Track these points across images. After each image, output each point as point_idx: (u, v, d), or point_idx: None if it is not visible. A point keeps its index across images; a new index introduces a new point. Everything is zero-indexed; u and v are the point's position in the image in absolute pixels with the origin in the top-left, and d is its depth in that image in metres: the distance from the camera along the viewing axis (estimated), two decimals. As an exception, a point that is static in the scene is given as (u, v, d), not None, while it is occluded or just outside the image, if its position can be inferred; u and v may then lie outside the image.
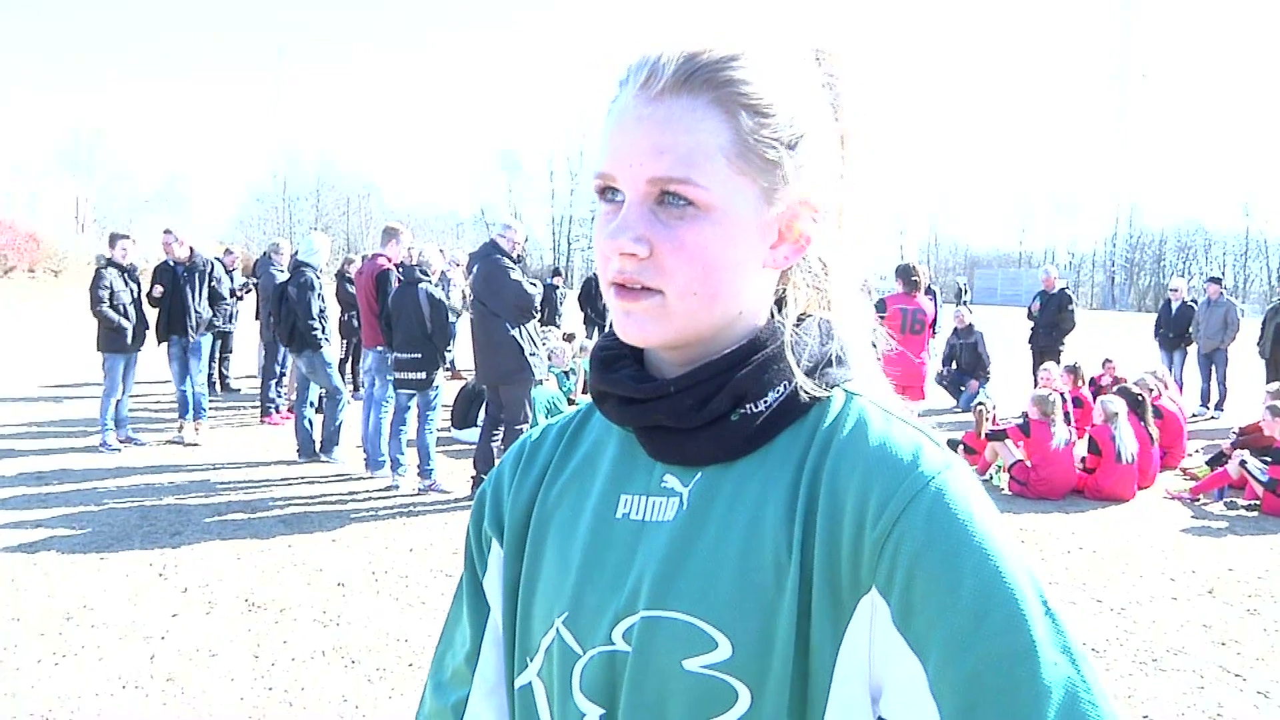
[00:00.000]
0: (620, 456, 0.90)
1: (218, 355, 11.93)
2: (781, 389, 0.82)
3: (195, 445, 8.90)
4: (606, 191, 0.81)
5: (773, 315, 0.86)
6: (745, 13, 0.82)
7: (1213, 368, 12.79)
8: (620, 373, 0.87)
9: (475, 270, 6.84)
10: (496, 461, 6.98)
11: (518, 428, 6.76)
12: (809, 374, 0.83)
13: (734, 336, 0.84)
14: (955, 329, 12.10)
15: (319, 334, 8.21)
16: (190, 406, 9.06)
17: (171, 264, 9.30)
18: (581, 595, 0.85)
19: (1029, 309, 12.72)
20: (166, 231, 9.69)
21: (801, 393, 0.82)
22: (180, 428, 9.06)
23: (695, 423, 0.82)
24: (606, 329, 0.93)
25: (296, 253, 8.89)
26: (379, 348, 7.89)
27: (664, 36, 0.80)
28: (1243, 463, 7.56)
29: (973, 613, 0.70)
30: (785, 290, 0.87)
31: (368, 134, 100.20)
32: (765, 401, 0.82)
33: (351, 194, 69.93)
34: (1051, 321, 12.28)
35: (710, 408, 0.82)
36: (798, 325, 0.85)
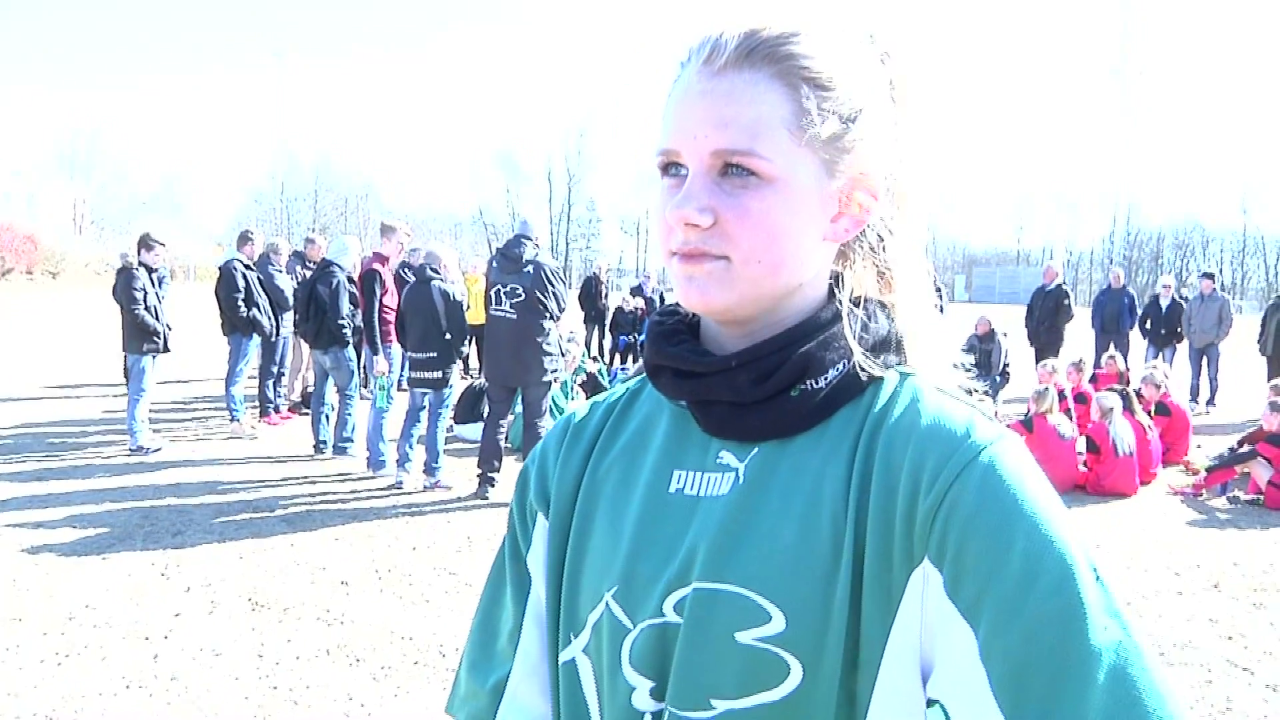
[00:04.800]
0: (673, 432, 0.90)
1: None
2: (841, 366, 0.83)
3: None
4: (670, 167, 0.82)
5: (832, 293, 0.87)
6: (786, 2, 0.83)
7: (1204, 363, 12.80)
8: (680, 346, 0.87)
9: (529, 270, 6.74)
10: (500, 460, 7.02)
11: (539, 424, 6.77)
12: (867, 353, 0.84)
13: (792, 311, 0.85)
14: (975, 333, 12.06)
15: (348, 331, 8.29)
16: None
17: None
18: (633, 569, 0.85)
19: (1028, 307, 12.75)
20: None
21: (860, 371, 0.83)
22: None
23: (755, 397, 0.83)
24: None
25: (296, 251, 8.95)
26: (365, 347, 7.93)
27: (723, 17, 0.81)
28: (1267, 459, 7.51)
29: (1023, 576, 0.70)
30: (844, 269, 0.88)
31: (365, 136, 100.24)
32: (826, 378, 0.83)
33: (349, 195, 70.07)
34: (1048, 316, 12.33)
35: (771, 383, 0.82)
36: (857, 306, 0.86)
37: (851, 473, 0.79)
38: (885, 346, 0.86)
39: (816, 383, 0.82)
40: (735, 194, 0.78)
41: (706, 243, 0.79)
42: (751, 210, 0.78)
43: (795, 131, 0.78)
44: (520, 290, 6.72)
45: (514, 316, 6.76)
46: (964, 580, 0.72)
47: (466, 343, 7.42)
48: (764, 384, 0.82)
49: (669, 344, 0.87)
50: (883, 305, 0.88)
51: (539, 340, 6.76)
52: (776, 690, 0.76)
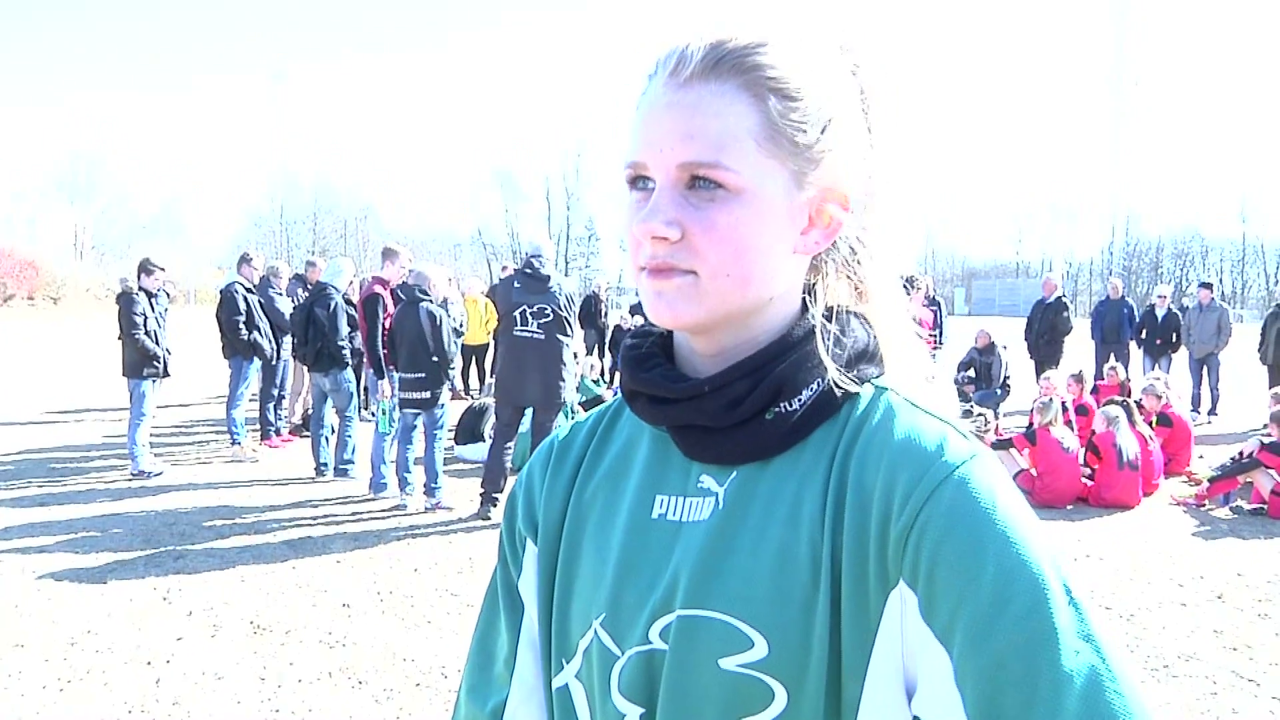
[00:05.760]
0: (654, 456, 0.89)
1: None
2: (815, 386, 0.82)
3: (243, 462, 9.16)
4: (637, 181, 0.81)
5: (805, 308, 0.86)
6: (763, 10, 0.83)
7: (1204, 372, 12.81)
8: (653, 371, 0.86)
9: (558, 288, 6.84)
10: (505, 479, 7.01)
11: None
12: (843, 369, 0.83)
13: (765, 326, 0.84)
14: (975, 346, 12.09)
15: (347, 353, 8.32)
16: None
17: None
18: (619, 596, 0.85)
19: (1028, 320, 12.80)
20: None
21: (835, 388, 0.82)
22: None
23: (729, 422, 0.82)
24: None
25: (297, 274, 9.02)
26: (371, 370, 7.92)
27: (690, 30, 0.80)
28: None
29: (994, 599, 0.69)
30: (816, 282, 0.87)
31: (364, 157, 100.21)
32: (800, 399, 0.82)
33: (349, 217, 70.19)
34: (1048, 329, 12.37)
35: (744, 407, 0.81)
36: (831, 319, 0.85)
37: (827, 494, 0.78)
38: (862, 358, 0.85)
39: (790, 405, 0.81)
40: (702, 207, 0.77)
41: (674, 257, 0.78)
42: (718, 223, 0.77)
43: (762, 142, 0.77)
44: (549, 310, 6.76)
45: (541, 337, 6.77)
46: (937, 603, 0.71)
47: (455, 363, 7.41)
48: (737, 408, 0.81)
49: (642, 369, 0.87)
50: (859, 315, 0.88)
51: (561, 362, 6.83)
52: (761, 715, 0.76)
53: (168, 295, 12.05)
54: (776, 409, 0.81)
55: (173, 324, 9.41)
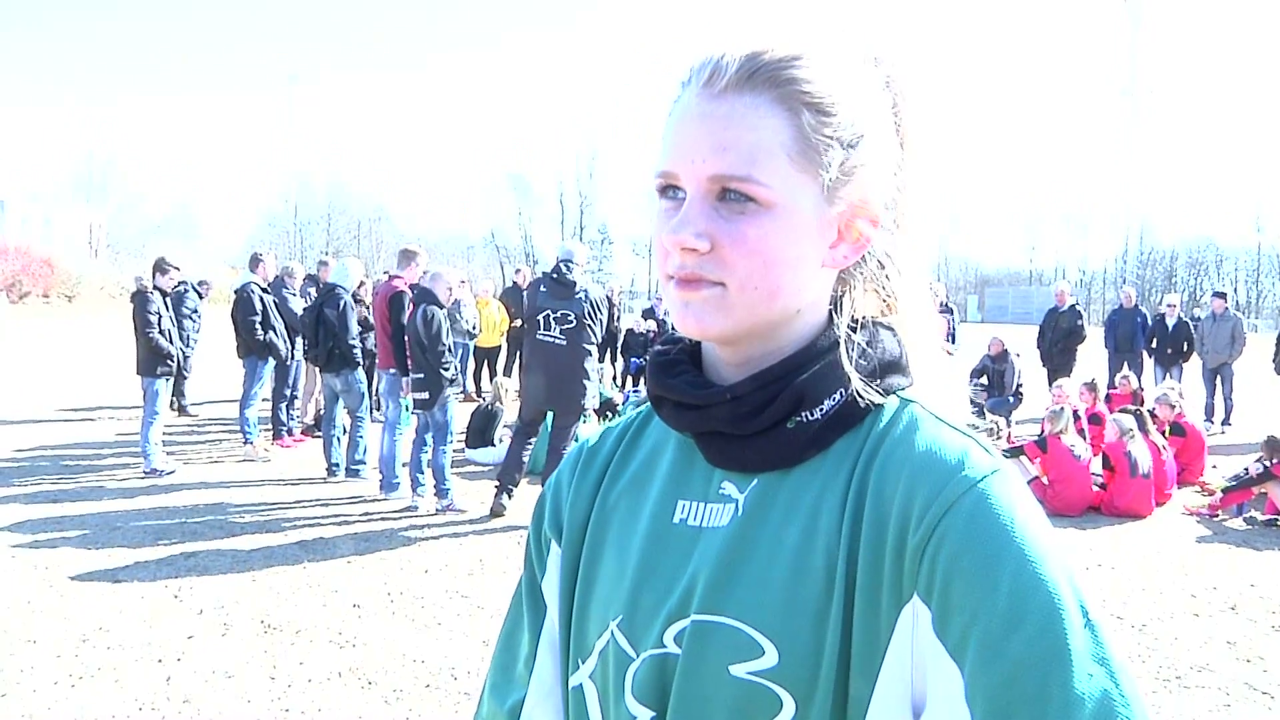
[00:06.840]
0: (678, 461, 0.90)
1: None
2: (838, 396, 0.82)
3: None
4: (668, 190, 0.81)
5: (831, 318, 0.86)
6: (798, 18, 0.82)
7: (1218, 382, 12.75)
8: (678, 378, 0.87)
9: (584, 295, 6.84)
10: (520, 474, 7.04)
11: (565, 450, 6.83)
12: (866, 379, 0.83)
13: (791, 336, 0.84)
14: (988, 353, 12.08)
15: (358, 354, 8.35)
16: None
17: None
18: (637, 599, 0.85)
19: (1040, 329, 12.75)
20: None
21: (858, 398, 0.82)
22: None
23: (751, 429, 0.82)
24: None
25: (310, 274, 9.06)
26: (391, 370, 7.92)
27: (726, 38, 0.80)
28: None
29: (1008, 617, 0.68)
30: (843, 293, 0.87)
31: (378, 159, 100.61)
32: (821, 409, 0.82)
33: (362, 218, 70.50)
34: (1061, 337, 12.32)
35: (766, 415, 0.82)
36: (857, 330, 0.85)
37: (845, 505, 0.78)
38: (890, 369, 0.84)
39: (812, 414, 0.81)
40: (733, 220, 0.77)
41: (703, 268, 0.78)
42: (749, 237, 0.77)
43: (795, 157, 0.77)
44: (573, 317, 6.77)
45: (564, 343, 6.78)
46: (951, 618, 0.71)
47: (451, 363, 7.40)
48: (759, 416, 0.82)
49: (669, 375, 0.88)
50: (887, 326, 0.88)
51: (586, 367, 6.84)
52: None
53: (199, 294, 12.10)
54: (798, 418, 0.82)
55: (206, 322, 9.37)
